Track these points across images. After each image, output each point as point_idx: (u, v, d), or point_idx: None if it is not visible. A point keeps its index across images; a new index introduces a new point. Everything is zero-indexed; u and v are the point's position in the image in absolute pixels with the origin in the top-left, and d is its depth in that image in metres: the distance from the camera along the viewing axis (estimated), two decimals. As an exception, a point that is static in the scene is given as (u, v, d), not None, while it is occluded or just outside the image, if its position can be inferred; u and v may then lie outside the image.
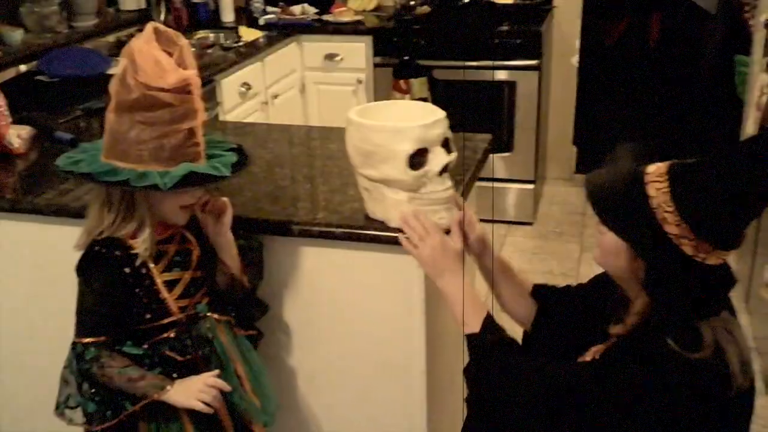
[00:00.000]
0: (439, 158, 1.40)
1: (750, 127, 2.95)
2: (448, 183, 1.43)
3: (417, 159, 1.39)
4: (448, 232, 1.47)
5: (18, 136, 1.95)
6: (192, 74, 1.30)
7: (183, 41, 1.33)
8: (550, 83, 3.84)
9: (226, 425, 1.45)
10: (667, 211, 1.09)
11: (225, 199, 1.45)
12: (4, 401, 1.94)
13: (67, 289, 1.57)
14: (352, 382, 1.69)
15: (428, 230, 1.39)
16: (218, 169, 1.34)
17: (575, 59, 3.88)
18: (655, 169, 1.12)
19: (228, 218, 1.44)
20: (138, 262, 1.36)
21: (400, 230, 1.44)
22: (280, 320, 1.68)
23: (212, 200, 1.43)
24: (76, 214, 1.61)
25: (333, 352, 1.68)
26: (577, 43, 3.85)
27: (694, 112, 4.96)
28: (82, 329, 1.38)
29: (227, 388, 1.39)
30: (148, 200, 1.34)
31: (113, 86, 1.30)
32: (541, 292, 1.49)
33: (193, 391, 1.35)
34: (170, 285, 1.41)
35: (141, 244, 1.35)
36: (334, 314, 1.65)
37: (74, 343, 1.39)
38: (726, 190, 1.07)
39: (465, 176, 1.71)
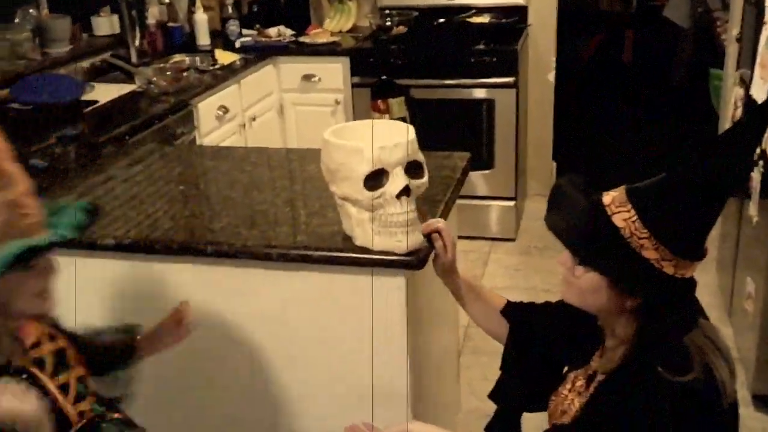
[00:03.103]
0: (397, 181, 1.40)
1: (725, 139, 2.97)
2: (408, 207, 1.41)
3: (376, 180, 1.39)
4: (428, 238, 1.46)
5: (-11, 165, 1.92)
6: None
7: None
8: (528, 100, 3.87)
9: None
10: (642, 238, 1.08)
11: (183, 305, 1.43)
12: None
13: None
14: (334, 407, 1.66)
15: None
16: (60, 233, 1.13)
17: (551, 76, 3.91)
18: (612, 199, 1.11)
19: (189, 320, 1.41)
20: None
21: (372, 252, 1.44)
22: (261, 346, 1.65)
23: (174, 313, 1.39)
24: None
25: (315, 376, 1.65)
26: (553, 60, 3.88)
27: (669, 124, 5.02)
28: None
29: None
30: None
31: None
32: (511, 311, 1.49)
33: None
34: (63, 390, 1.21)
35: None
36: (315, 338, 1.62)
37: None
38: (691, 202, 1.07)
39: (445, 195, 1.70)
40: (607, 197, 1.12)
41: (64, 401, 1.20)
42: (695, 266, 1.13)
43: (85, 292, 1.68)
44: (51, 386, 1.19)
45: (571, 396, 1.26)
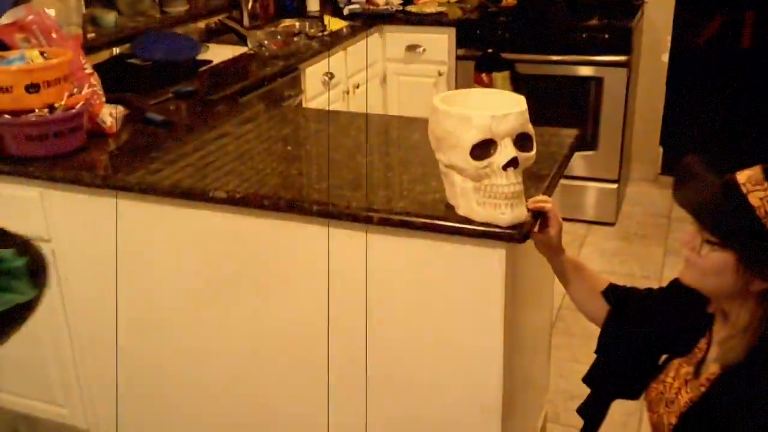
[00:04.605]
0: (506, 152, 1.37)
1: None
2: (514, 179, 1.39)
3: (483, 150, 1.37)
4: (537, 218, 1.44)
5: (110, 115, 2.02)
6: None
7: None
8: (639, 81, 3.72)
9: None
10: None
11: None
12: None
13: (153, 266, 1.61)
14: (426, 375, 1.67)
15: None
16: (14, 296, 0.87)
17: (665, 57, 3.73)
18: (748, 178, 1.07)
19: None
20: None
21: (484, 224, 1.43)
22: (356, 307, 1.68)
23: None
24: (166, 192, 1.66)
25: (408, 343, 1.66)
26: (668, 40, 3.70)
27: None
28: None
29: None
30: None
31: None
32: (613, 293, 1.46)
33: None
34: None
35: None
36: (410, 304, 1.63)
37: None
38: None
39: (551, 171, 1.67)
40: (742, 175, 1.08)
41: None
42: None
43: (191, 243, 1.76)
44: None
45: (677, 384, 1.22)
